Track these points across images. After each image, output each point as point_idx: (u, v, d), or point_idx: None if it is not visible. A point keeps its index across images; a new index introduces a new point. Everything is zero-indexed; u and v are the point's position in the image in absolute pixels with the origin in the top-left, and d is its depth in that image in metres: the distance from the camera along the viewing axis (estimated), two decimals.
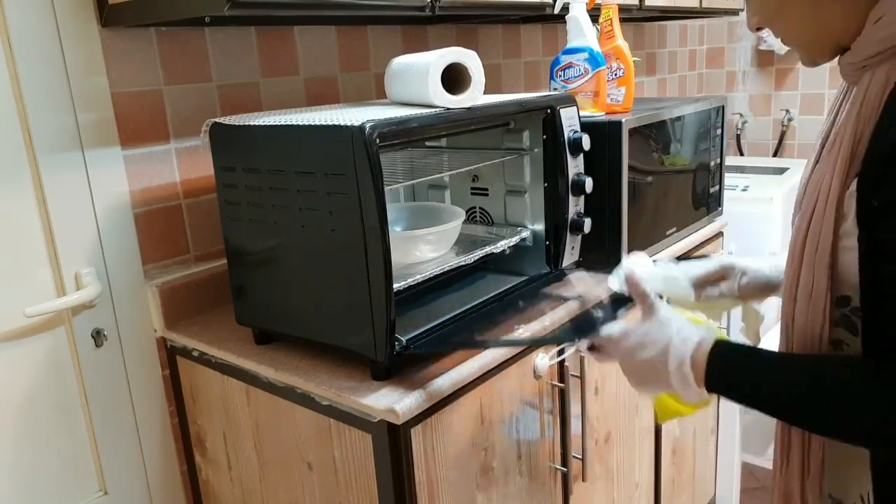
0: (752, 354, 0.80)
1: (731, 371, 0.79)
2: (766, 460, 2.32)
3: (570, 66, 1.51)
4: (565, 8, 1.54)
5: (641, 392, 0.87)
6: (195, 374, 1.27)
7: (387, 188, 0.94)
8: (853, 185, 0.73)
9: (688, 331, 0.81)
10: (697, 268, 1.03)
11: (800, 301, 0.79)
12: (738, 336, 1.00)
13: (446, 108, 1.06)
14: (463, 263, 1.20)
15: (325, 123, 0.96)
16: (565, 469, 1.31)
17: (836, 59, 0.80)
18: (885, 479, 0.79)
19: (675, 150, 1.62)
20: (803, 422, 0.78)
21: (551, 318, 1.22)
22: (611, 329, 0.88)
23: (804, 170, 0.88)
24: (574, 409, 1.31)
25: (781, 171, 2.48)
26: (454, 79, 1.08)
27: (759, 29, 0.83)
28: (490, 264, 1.24)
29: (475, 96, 1.08)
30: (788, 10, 0.77)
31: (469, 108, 1.07)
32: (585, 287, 1.36)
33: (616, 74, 1.55)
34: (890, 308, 0.71)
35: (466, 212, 1.24)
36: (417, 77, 1.07)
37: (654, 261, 1.02)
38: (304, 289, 1.06)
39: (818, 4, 0.75)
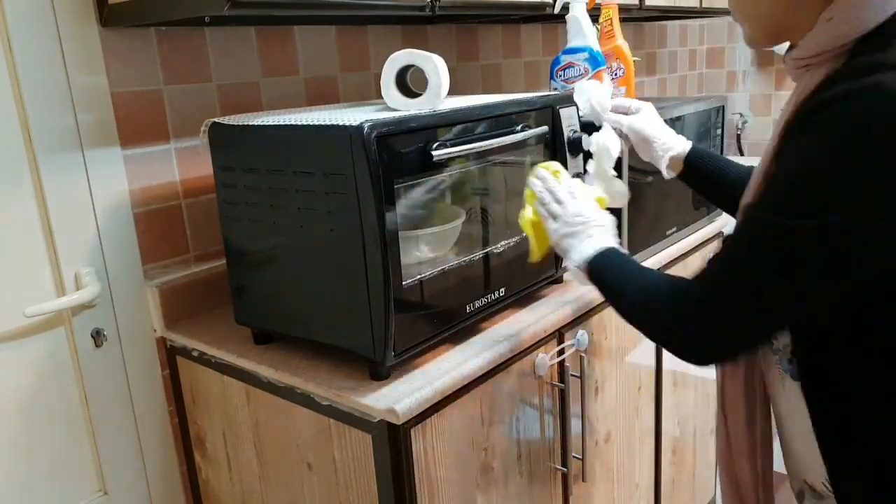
0: (622, 265, 0.94)
1: (604, 272, 0.95)
2: None
3: (570, 65, 1.51)
4: (565, 8, 1.54)
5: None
6: (195, 374, 1.27)
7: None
8: None
9: (595, 241, 0.97)
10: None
11: None
12: None
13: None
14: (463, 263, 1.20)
15: (323, 123, 0.96)
16: (565, 469, 1.31)
17: (783, 57, 0.85)
18: (837, 464, 0.83)
19: None
20: (623, 311, 0.93)
21: (551, 319, 1.22)
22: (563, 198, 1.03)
23: None
24: (574, 409, 1.31)
25: None
26: (417, 81, 1.09)
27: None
28: (490, 264, 1.23)
29: (433, 99, 1.08)
30: None
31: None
32: (585, 287, 1.36)
33: (616, 74, 1.55)
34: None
35: (466, 212, 1.23)
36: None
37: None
38: (304, 289, 1.06)
39: None
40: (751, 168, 1.18)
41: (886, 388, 0.76)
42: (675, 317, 0.82)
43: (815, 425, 0.83)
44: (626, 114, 1.23)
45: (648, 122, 1.20)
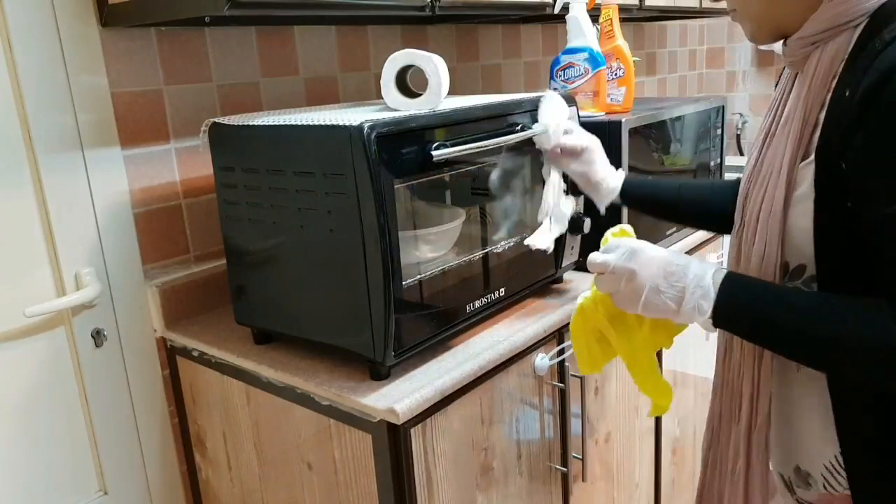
0: (761, 290, 0.81)
1: (740, 306, 0.81)
2: None
3: (570, 66, 1.51)
4: (565, 8, 1.54)
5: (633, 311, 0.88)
6: (195, 374, 1.27)
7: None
8: (812, 156, 0.79)
9: (697, 268, 0.83)
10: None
11: (753, 264, 0.85)
12: None
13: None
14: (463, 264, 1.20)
15: (323, 123, 0.96)
16: (565, 469, 1.31)
17: (780, 46, 0.87)
18: (851, 440, 0.83)
19: (675, 150, 1.62)
20: (815, 359, 0.79)
21: (551, 319, 1.22)
22: (605, 259, 0.88)
23: (747, 159, 0.94)
24: (574, 409, 1.31)
25: None
26: (417, 82, 1.09)
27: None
28: (490, 264, 1.24)
29: (433, 100, 1.08)
30: None
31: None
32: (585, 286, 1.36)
33: (616, 74, 1.56)
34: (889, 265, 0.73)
35: (466, 212, 1.24)
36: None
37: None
38: (304, 289, 1.06)
39: None
40: (687, 182, 1.21)
41: None
42: None
43: (835, 400, 0.83)
44: (572, 154, 1.18)
45: (593, 164, 1.18)
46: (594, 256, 0.89)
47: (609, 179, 1.18)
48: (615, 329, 0.94)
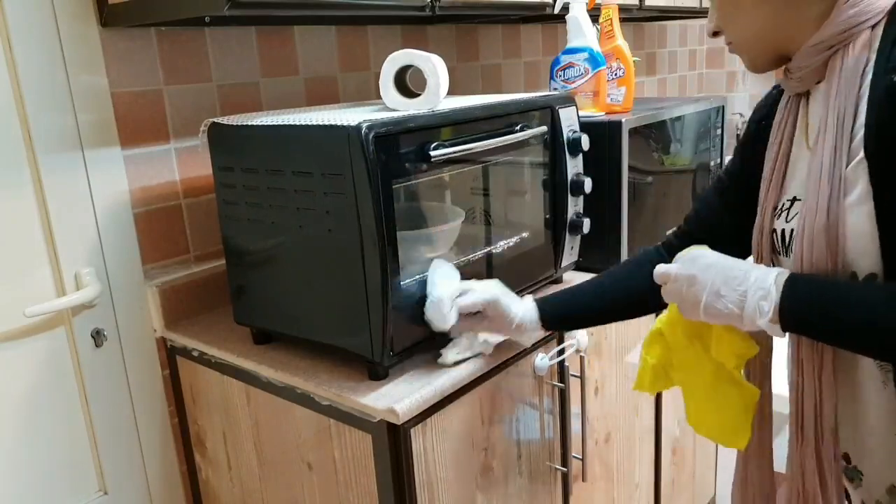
0: (826, 286, 0.77)
1: (805, 303, 0.77)
2: None
3: (570, 66, 1.51)
4: (565, 8, 1.54)
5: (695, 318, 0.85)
6: (195, 374, 1.27)
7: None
8: (860, 154, 0.74)
9: (759, 272, 0.80)
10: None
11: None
12: None
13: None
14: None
15: (322, 123, 0.96)
16: (565, 469, 1.31)
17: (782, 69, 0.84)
18: None
19: (675, 150, 1.62)
20: (890, 351, 0.76)
21: None
22: (667, 268, 0.86)
23: (761, 198, 0.90)
24: (574, 409, 1.31)
25: None
26: (416, 82, 1.09)
27: (715, 34, 0.88)
28: (490, 264, 1.24)
29: (432, 100, 1.08)
30: (743, 11, 0.82)
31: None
32: None
33: (616, 74, 1.56)
34: None
35: (466, 212, 1.24)
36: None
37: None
38: (303, 289, 1.06)
39: (771, 4, 0.80)
40: (610, 275, 1.11)
41: None
42: None
43: None
44: (475, 314, 1.07)
45: (503, 312, 1.06)
46: (659, 267, 0.87)
47: (524, 315, 1.07)
48: (693, 347, 0.92)
